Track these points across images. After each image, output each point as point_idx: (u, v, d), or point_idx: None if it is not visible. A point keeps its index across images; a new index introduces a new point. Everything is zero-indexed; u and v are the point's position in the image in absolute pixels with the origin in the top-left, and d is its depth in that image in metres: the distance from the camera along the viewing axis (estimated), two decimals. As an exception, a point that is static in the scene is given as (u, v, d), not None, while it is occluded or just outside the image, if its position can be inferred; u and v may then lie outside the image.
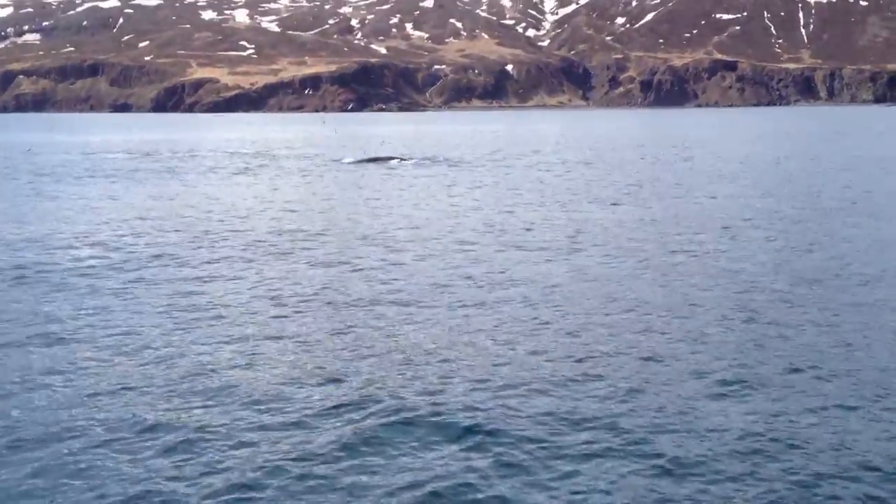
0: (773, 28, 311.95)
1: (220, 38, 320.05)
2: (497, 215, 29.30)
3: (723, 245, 22.93)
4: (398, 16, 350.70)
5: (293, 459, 9.78)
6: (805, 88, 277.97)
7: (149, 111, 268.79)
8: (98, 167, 54.84)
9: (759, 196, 34.35)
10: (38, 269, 20.84)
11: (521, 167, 51.46)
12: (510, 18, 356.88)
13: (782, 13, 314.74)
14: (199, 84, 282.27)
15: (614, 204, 32.17)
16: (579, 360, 13.11)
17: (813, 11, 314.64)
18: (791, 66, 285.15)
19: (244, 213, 30.70)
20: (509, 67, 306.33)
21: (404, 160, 56.13)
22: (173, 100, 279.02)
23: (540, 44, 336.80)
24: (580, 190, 37.71)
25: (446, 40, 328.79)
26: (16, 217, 30.43)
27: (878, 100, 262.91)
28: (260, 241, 24.33)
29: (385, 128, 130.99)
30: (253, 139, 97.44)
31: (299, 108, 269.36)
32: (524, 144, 79.07)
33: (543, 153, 65.21)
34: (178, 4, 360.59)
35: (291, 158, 62.30)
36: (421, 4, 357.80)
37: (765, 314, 15.70)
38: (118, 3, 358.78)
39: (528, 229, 25.99)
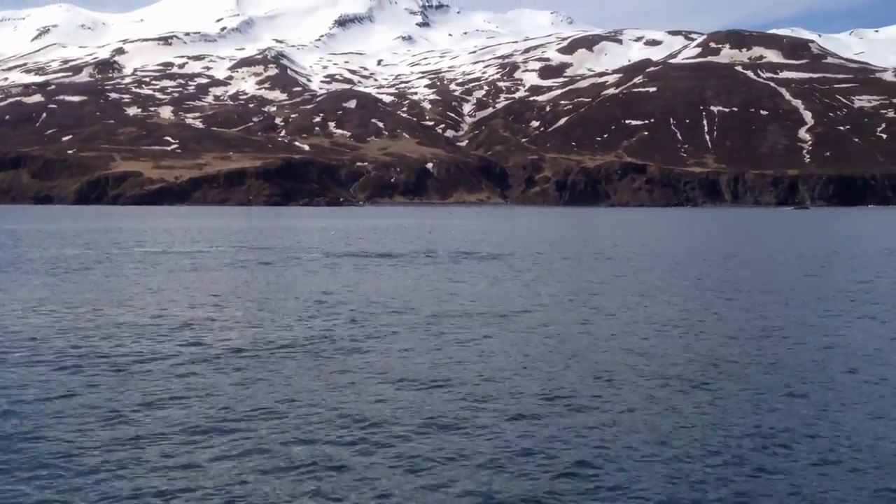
0: (678, 134, 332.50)
1: (144, 133, 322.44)
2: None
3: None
4: (321, 115, 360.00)
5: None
6: (711, 191, 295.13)
7: (71, 203, 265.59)
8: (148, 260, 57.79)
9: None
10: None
11: (557, 260, 57.41)
12: (430, 119, 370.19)
13: (687, 120, 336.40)
14: (122, 177, 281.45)
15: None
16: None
17: (716, 119, 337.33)
18: (697, 169, 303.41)
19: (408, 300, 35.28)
20: (430, 166, 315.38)
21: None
22: (96, 192, 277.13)
23: (459, 144, 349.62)
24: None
25: (368, 139, 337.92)
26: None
27: (781, 203, 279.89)
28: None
29: (375, 222, 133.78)
30: (238, 232, 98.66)
31: (224, 202, 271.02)
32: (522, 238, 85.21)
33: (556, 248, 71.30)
34: (102, 101, 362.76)
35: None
36: (343, 105, 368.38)
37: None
38: (42, 99, 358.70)
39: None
